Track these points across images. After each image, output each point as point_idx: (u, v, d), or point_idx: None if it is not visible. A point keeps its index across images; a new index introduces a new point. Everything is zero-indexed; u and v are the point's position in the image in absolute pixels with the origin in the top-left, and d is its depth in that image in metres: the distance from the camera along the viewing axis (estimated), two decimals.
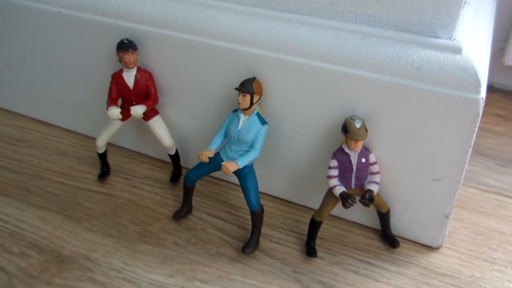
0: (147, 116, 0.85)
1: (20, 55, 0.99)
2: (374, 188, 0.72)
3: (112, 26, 0.84)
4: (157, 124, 0.86)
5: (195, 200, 0.86)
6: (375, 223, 0.81)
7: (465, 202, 0.88)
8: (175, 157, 0.90)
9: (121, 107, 0.84)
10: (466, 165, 0.69)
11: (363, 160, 0.71)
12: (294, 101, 0.75)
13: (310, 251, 0.77)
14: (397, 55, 0.67)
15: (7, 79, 1.05)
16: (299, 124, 0.77)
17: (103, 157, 0.90)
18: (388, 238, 0.79)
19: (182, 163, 0.92)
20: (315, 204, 0.83)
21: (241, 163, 0.73)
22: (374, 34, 0.69)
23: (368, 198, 0.71)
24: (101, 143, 0.87)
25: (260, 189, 0.77)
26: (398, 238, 0.79)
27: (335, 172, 0.72)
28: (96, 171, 0.93)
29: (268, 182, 0.86)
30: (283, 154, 0.82)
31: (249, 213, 0.76)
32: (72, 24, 0.88)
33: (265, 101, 0.78)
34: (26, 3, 0.90)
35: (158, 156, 0.97)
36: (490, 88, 1.21)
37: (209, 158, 0.75)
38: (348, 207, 0.70)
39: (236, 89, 0.73)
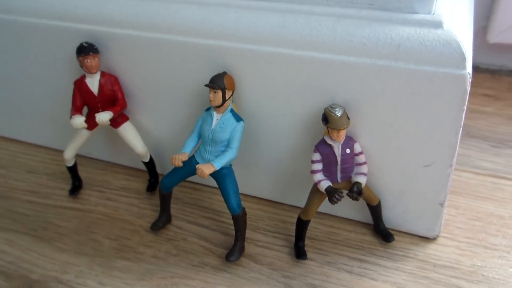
0: (116, 123, 0.79)
1: None
2: (362, 179, 0.67)
3: (71, 30, 0.78)
4: (127, 130, 0.81)
5: (174, 208, 0.81)
6: (367, 218, 0.76)
7: (460, 188, 0.84)
8: (150, 164, 0.85)
9: (87, 115, 0.78)
10: (458, 147, 0.64)
11: (348, 150, 0.66)
12: (269, 94, 0.70)
13: (299, 253, 0.71)
14: (374, 35, 0.62)
15: None
16: (277, 118, 0.72)
17: (73, 170, 0.85)
18: (381, 232, 0.74)
19: (158, 170, 0.87)
20: (302, 202, 0.78)
21: (217, 164, 0.68)
22: (348, 15, 0.64)
23: (356, 191, 0.66)
24: (68, 155, 0.81)
25: (242, 190, 0.72)
26: (392, 232, 0.74)
27: (318, 166, 0.67)
28: (68, 186, 0.87)
29: (249, 183, 0.81)
30: (263, 152, 0.77)
31: None
32: (29, 32, 0.82)
33: (238, 96, 0.72)
34: None
35: (133, 165, 0.91)
36: (476, 69, 1.17)
37: (183, 162, 0.70)
38: (336, 202, 0.65)
39: (206, 85, 0.68)
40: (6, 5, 0.83)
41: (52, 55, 0.83)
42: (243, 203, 0.71)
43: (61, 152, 0.95)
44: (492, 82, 1.15)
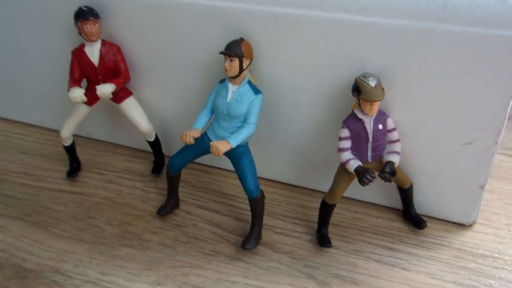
0: (118, 97, 0.72)
1: None
2: (395, 159, 0.60)
3: None
4: (130, 106, 0.73)
5: (182, 191, 0.73)
6: (395, 202, 0.69)
7: (493, 171, 0.77)
8: (156, 144, 0.77)
9: (87, 89, 0.71)
10: (506, 122, 0.57)
11: (380, 126, 0.59)
12: (291, 63, 0.63)
13: (323, 240, 0.64)
14: None
15: None
16: (300, 91, 0.65)
17: (70, 150, 0.77)
18: (413, 218, 0.67)
19: (164, 150, 0.79)
20: (323, 186, 0.72)
21: (234, 141, 0.61)
22: None
23: (389, 172, 0.59)
24: (66, 133, 0.74)
25: (258, 173, 0.65)
26: (423, 218, 0.67)
27: (347, 144, 0.60)
28: (65, 168, 0.79)
29: (266, 165, 0.74)
30: (282, 129, 0.70)
31: (246, 201, 0.64)
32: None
33: (256, 66, 0.65)
34: None
35: (136, 145, 0.84)
36: None
37: (195, 139, 0.62)
38: (367, 183, 0.58)
39: (221, 53, 0.60)
40: None
41: (46, 24, 0.75)
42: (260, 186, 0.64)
43: (57, 132, 0.87)
44: None
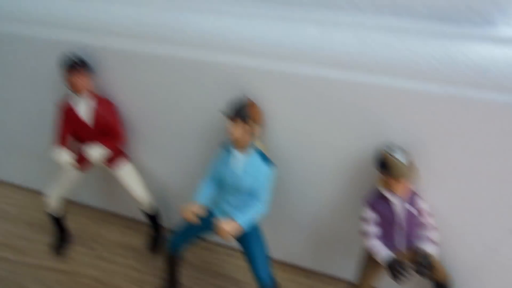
0: (111, 161, 0.64)
1: None
2: (431, 249, 0.50)
3: (56, 41, 0.63)
4: (126, 172, 0.65)
5: (183, 273, 0.64)
6: None
7: None
8: (153, 216, 0.68)
9: (76, 150, 0.63)
10: None
11: (412, 209, 0.50)
12: (304, 130, 0.55)
13: None
14: (447, 55, 0.47)
15: None
16: (315, 162, 0.56)
17: (58, 221, 0.69)
18: None
19: (163, 223, 0.70)
20: (345, 272, 0.61)
21: (242, 221, 0.51)
22: (410, 28, 0.49)
23: (425, 265, 0.49)
24: (52, 201, 0.66)
25: (269, 254, 0.55)
26: None
27: (372, 227, 0.51)
28: (51, 238, 0.71)
29: (278, 245, 0.64)
30: (296, 205, 0.60)
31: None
32: (4, 43, 0.68)
33: (265, 131, 0.57)
34: None
35: (132, 215, 0.75)
36: None
37: (197, 216, 0.54)
38: (401, 279, 0.47)
39: (224, 114, 0.53)
40: None
41: (31, 73, 0.68)
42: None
43: (41, 194, 0.80)
44: None
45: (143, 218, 0.70)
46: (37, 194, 0.82)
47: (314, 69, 0.51)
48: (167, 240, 0.58)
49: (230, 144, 0.55)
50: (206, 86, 0.58)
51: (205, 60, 0.56)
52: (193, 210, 0.53)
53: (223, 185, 0.55)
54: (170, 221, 0.71)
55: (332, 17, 0.52)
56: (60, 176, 0.65)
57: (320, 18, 0.52)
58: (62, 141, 0.61)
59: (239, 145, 0.53)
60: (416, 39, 0.48)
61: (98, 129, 0.62)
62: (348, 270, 0.60)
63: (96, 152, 0.60)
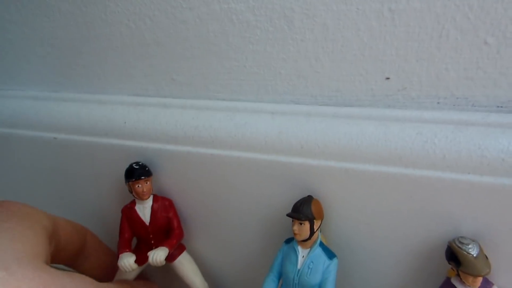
0: (170, 256, 0.65)
1: (14, 187, 0.82)
2: None
3: (118, 148, 0.67)
4: (184, 264, 0.66)
5: None
6: None
7: None
8: None
9: (136, 248, 0.65)
10: None
11: None
12: (367, 221, 0.55)
13: None
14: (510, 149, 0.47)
15: None
16: (379, 252, 0.56)
17: None
18: None
19: None
20: None
21: None
22: (472, 122, 0.50)
23: None
24: None
25: None
26: None
27: None
28: None
29: None
30: None
31: None
32: (70, 149, 0.71)
33: (326, 224, 0.58)
34: (16, 132, 0.75)
35: None
36: None
37: None
38: None
39: (289, 215, 0.53)
40: (45, 122, 0.72)
41: (97, 174, 0.71)
42: None
43: None
44: None
45: None
46: None
47: (375, 166, 0.52)
48: None
49: (293, 241, 0.55)
50: (266, 184, 0.59)
51: (264, 160, 0.57)
52: None
53: (287, 282, 0.55)
54: None
55: (390, 112, 0.53)
56: (121, 272, 0.66)
57: (378, 115, 0.53)
58: (125, 244, 0.63)
59: (303, 242, 0.54)
60: (480, 133, 0.49)
61: (158, 227, 0.63)
62: None
63: (157, 256, 0.61)
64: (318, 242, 0.54)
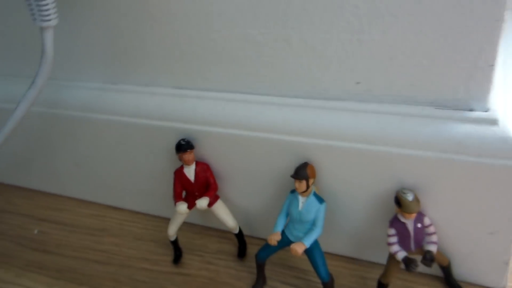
0: (210, 203, 0.92)
1: (87, 156, 1.09)
2: (433, 248, 0.78)
3: (168, 129, 0.93)
4: (219, 209, 0.94)
5: (266, 268, 0.94)
6: (440, 271, 0.87)
7: None
8: (239, 235, 0.98)
9: (186, 198, 0.93)
10: None
11: (419, 225, 0.77)
12: (346, 180, 0.82)
13: None
14: (437, 133, 0.72)
15: (76, 175, 1.17)
16: (353, 199, 0.84)
17: (175, 243, 0.99)
18: (452, 286, 0.85)
19: (248, 232, 1.00)
20: (378, 257, 0.90)
21: (308, 242, 0.80)
22: (413, 114, 0.74)
23: (429, 259, 0.77)
24: (172, 232, 0.96)
25: (324, 248, 0.84)
26: (462, 283, 0.84)
27: (394, 239, 0.78)
28: (172, 252, 1.02)
29: (330, 242, 0.93)
30: (341, 221, 0.89)
31: None
32: (131, 130, 0.98)
33: (319, 180, 0.85)
34: (89, 115, 1.01)
35: (225, 228, 1.05)
36: None
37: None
38: (412, 271, 0.76)
39: (291, 176, 0.80)
40: (109, 108, 0.98)
41: (152, 148, 0.98)
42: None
43: (160, 218, 1.11)
44: None
45: None
46: (154, 218, 1.12)
47: (349, 143, 0.78)
48: (256, 254, 0.87)
49: (296, 192, 0.82)
50: (275, 156, 0.85)
51: (273, 139, 0.83)
52: (275, 238, 0.82)
53: (292, 218, 0.83)
54: (253, 231, 1.00)
55: (359, 106, 0.77)
56: (175, 216, 0.95)
57: (352, 107, 0.78)
58: (179, 196, 0.91)
59: (302, 193, 0.81)
60: (417, 122, 0.74)
61: (200, 184, 0.91)
62: (380, 255, 0.87)
63: (202, 202, 0.89)
64: (312, 192, 0.82)
